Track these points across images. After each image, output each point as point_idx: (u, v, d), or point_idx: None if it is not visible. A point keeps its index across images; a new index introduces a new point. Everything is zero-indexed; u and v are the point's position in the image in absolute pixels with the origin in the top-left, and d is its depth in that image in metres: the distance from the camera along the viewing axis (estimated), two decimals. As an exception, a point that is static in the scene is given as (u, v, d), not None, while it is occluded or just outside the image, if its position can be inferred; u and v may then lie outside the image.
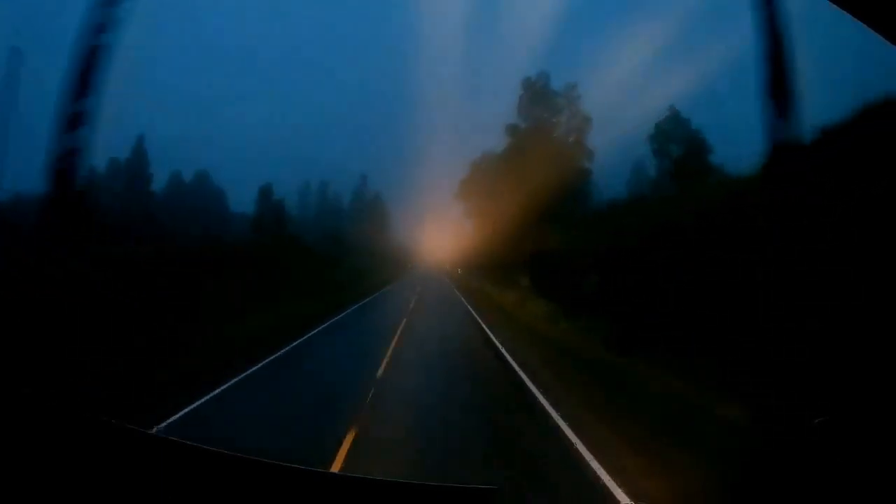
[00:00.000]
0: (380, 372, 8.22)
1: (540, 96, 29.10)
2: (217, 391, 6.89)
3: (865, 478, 1.04)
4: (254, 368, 8.35)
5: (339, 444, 5.10)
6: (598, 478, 4.43)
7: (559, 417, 6.23)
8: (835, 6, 0.98)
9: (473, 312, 17.44)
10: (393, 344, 10.70)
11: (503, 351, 10.68)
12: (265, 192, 43.67)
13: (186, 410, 6.02)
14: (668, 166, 23.82)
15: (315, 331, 12.18)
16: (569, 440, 5.41)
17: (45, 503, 0.97)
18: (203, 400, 6.39)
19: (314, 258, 34.42)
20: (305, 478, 1.07)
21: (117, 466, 1.02)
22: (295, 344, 10.56)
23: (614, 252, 13.54)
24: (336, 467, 4.67)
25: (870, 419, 1.14)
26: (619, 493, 3.99)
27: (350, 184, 55.09)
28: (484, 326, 13.90)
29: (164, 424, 5.43)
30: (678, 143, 25.24)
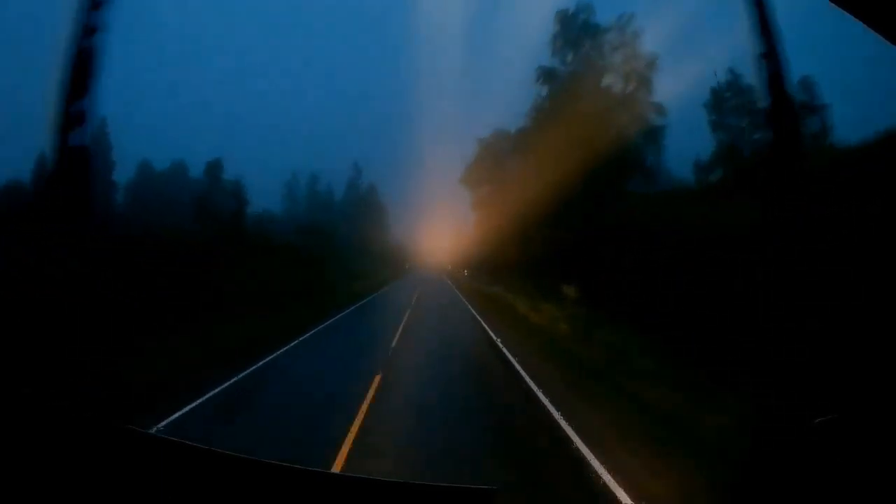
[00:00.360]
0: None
1: (582, 33, 21.12)
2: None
3: (865, 478, 1.04)
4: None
5: None
6: None
7: None
8: (835, 6, 0.98)
9: (522, 372, 9.05)
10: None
11: None
12: (213, 169, 31.98)
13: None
14: (728, 140, 19.07)
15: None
16: None
17: (46, 503, 0.97)
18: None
19: (289, 257, 27.74)
20: (305, 478, 1.08)
21: (117, 466, 1.02)
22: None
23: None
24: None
25: (870, 419, 1.14)
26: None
27: (344, 180, 50.50)
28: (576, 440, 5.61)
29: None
30: (739, 113, 19.11)
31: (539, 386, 8.03)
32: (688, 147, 19.55)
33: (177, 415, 6.27)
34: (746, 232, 9.17)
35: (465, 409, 6.86)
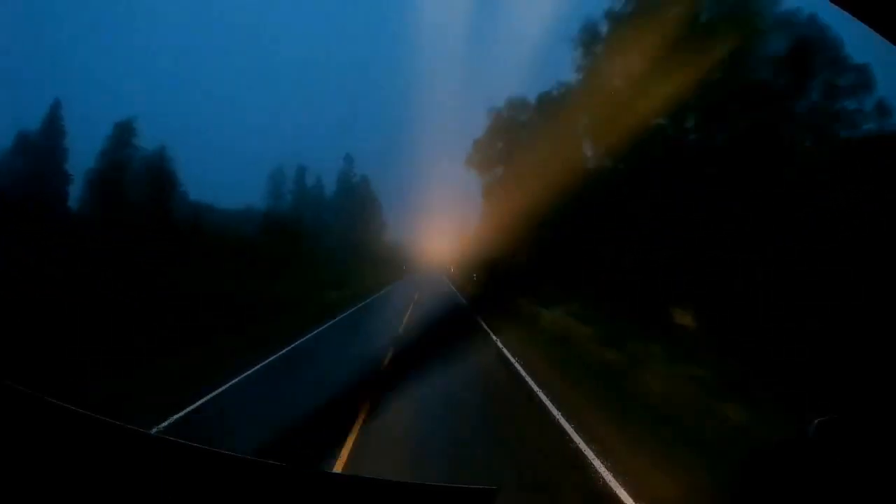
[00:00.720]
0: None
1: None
2: None
3: (865, 478, 1.05)
4: None
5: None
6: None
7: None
8: (835, 6, 0.98)
9: None
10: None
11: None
12: (123, 135, 25.14)
13: None
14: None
15: None
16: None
17: (45, 503, 0.97)
18: None
19: (249, 258, 21.87)
20: (306, 478, 1.08)
21: (117, 466, 1.02)
22: None
23: None
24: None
25: (870, 419, 1.15)
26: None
27: (336, 176, 46.63)
28: None
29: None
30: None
31: None
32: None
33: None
34: None
35: None
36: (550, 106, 22.40)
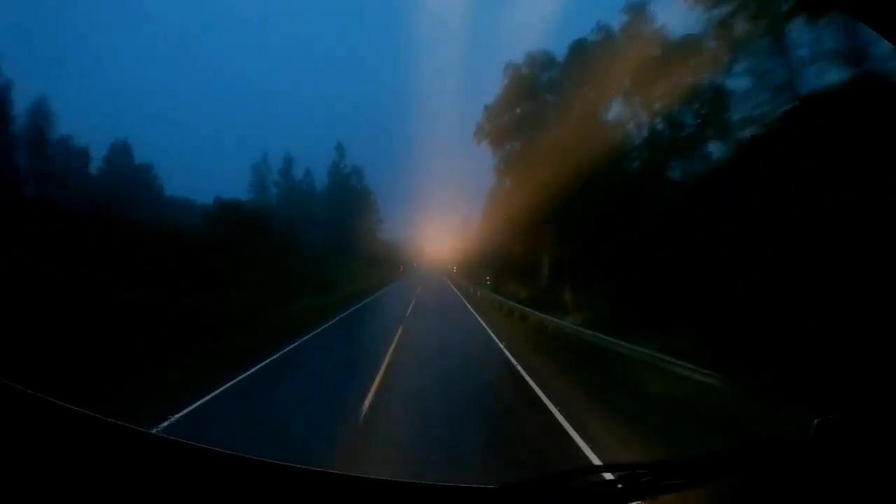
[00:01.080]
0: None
1: None
2: None
3: (865, 478, 1.05)
4: None
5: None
6: None
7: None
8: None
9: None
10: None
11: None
12: None
13: None
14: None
15: None
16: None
17: (45, 503, 0.97)
18: None
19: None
20: (305, 478, 1.09)
21: (117, 466, 1.03)
22: None
23: None
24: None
25: (870, 419, 1.15)
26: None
27: (327, 170, 43.91)
28: None
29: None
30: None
31: None
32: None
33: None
34: None
35: None
36: (586, 57, 18.36)
